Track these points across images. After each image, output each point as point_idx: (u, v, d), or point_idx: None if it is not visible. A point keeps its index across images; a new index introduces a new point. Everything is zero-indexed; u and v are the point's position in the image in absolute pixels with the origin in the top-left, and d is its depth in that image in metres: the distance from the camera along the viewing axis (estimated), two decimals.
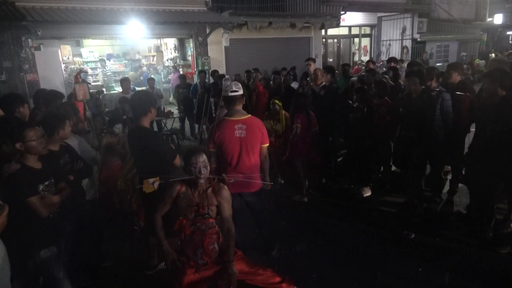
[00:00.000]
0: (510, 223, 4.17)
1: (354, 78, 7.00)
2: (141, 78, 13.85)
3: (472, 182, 4.23)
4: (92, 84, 11.50)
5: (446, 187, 5.34)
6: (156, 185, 2.74)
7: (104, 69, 13.30)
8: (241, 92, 3.51)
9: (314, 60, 8.18)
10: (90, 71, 13.28)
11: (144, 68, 14.77)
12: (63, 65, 11.56)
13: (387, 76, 6.66)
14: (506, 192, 4.26)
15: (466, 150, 4.70)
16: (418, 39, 16.71)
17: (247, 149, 3.46)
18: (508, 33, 23.66)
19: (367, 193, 5.42)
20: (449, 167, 5.53)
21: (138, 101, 3.39)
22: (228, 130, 3.43)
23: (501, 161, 3.64)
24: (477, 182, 4.05)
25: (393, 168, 5.69)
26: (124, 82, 7.83)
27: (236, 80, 7.65)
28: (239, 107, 3.53)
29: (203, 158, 2.63)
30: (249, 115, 3.56)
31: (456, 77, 4.88)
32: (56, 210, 2.78)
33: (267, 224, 3.93)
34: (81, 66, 12.52)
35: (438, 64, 16.02)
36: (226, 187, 2.82)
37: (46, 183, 2.69)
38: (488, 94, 3.74)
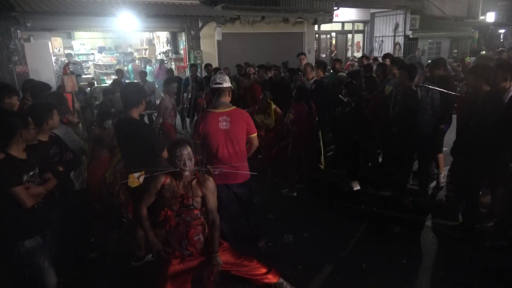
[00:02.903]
0: (493, 217, 4.25)
1: (342, 74, 7.03)
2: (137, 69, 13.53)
3: (457, 177, 4.30)
4: (83, 76, 11.37)
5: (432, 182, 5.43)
6: (141, 179, 2.75)
7: (73, 64, 12.76)
8: (226, 84, 3.51)
9: (305, 55, 8.20)
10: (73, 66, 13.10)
11: (137, 62, 14.64)
12: (53, 58, 11.43)
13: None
14: (490, 186, 4.34)
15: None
16: (411, 36, 16.79)
17: (232, 141, 3.48)
18: (500, 31, 23.86)
19: (356, 187, 5.48)
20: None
21: (130, 93, 3.38)
22: (212, 122, 3.45)
23: (485, 155, 3.70)
24: (461, 177, 4.11)
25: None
26: (117, 86, 7.68)
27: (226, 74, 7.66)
28: (225, 99, 3.54)
29: (188, 150, 2.65)
30: (234, 107, 3.56)
31: (438, 73, 4.94)
32: (41, 201, 2.78)
33: (255, 215, 3.96)
34: (69, 58, 12.29)
35: (429, 61, 16.10)
36: (211, 178, 2.83)
37: (31, 173, 2.68)
38: (473, 89, 3.79)
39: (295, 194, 5.39)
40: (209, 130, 3.45)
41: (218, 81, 3.51)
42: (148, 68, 13.06)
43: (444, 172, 5.38)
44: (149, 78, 12.02)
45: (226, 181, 3.52)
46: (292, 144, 5.30)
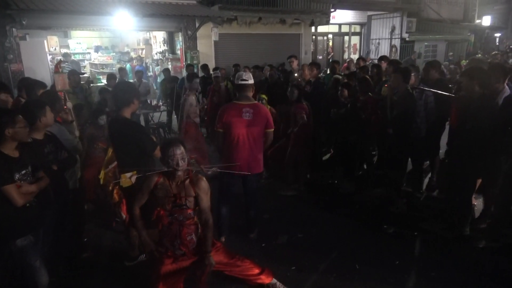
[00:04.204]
0: (487, 218, 4.27)
1: (337, 75, 7.03)
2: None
3: (451, 178, 4.31)
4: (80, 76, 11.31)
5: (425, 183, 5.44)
6: (133, 179, 2.74)
7: (70, 63, 12.69)
8: (250, 81, 3.81)
9: (296, 57, 8.31)
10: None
11: (135, 61, 14.57)
12: (49, 56, 11.37)
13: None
14: (484, 187, 4.36)
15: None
16: (407, 39, 16.84)
17: (252, 132, 3.76)
18: (496, 35, 24.00)
19: (350, 188, 5.48)
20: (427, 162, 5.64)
21: (121, 92, 3.37)
22: (236, 112, 3.74)
23: (480, 157, 3.72)
24: (456, 178, 4.12)
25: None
26: (111, 79, 7.65)
27: (222, 74, 7.71)
28: (249, 94, 3.82)
29: (181, 150, 2.64)
30: (256, 102, 3.92)
31: (434, 75, 4.97)
32: (34, 199, 2.76)
33: (255, 207, 4.14)
34: (61, 58, 12.21)
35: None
36: (204, 178, 2.83)
37: (23, 171, 2.66)
38: (467, 91, 3.82)
39: (291, 194, 5.39)
40: (232, 119, 3.72)
41: (244, 77, 3.82)
42: (157, 68, 13.08)
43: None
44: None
45: (244, 171, 3.74)
46: (292, 145, 5.29)
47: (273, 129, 3.93)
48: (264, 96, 5.81)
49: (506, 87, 3.90)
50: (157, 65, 13.94)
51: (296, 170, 5.57)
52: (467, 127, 3.84)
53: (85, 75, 12.42)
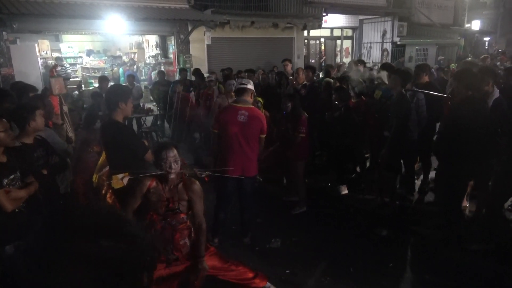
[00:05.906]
0: (479, 221, 4.29)
1: (329, 79, 7.06)
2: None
3: (442, 181, 4.34)
4: (70, 80, 11.25)
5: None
6: (125, 180, 2.71)
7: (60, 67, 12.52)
8: (249, 86, 3.94)
9: (290, 61, 8.36)
10: (69, 67, 13.04)
11: (128, 66, 14.48)
12: (40, 60, 11.27)
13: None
14: (476, 190, 4.39)
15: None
16: (398, 43, 17.02)
17: (246, 134, 3.83)
18: (485, 39, 24.37)
19: (344, 191, 5.49)
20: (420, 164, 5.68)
21: (113, 95, 3.34)
22: (232, 113, 3.85)
23: (469, 159, 3.74)
24: (446, 181, 4.15)
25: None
26: (103, 81, 7.62)
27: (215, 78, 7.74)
28: (247, 98, 3.92)
29: (174, 153, 2.62)
30: (253, 106, 3.96)
31: (424, 78, 5.01)
32: (23, 205, 2.71)
33: (250, 210, 4.17)
34: (55, 62, 12.11)
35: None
36: (197, 182, 2.81)
37: (11, 176, 2.62)
38: (456, 93, 3.86)
39: (305, 208, 5.04)
40: (228, 121, 3.83)
41: (243, 82, 4.01)
42: (153, 73, 13.03)
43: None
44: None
45: (240, 173, 3.82)
46: (295, 159, 4.97)
47: (265, 135, 3.99)
48: (260, 99, 5.81)
49: (496, 89, 3.95)
50: (154, 69, 13.83)
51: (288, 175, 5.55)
52: (451, 127, 3.87)
53: (76, 79, 12.40)
